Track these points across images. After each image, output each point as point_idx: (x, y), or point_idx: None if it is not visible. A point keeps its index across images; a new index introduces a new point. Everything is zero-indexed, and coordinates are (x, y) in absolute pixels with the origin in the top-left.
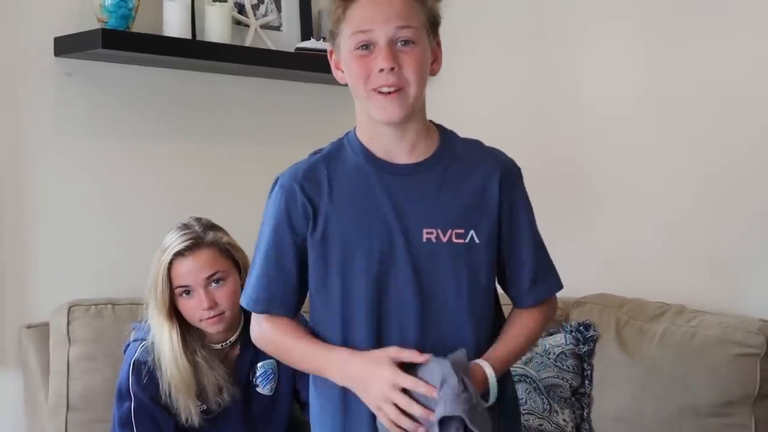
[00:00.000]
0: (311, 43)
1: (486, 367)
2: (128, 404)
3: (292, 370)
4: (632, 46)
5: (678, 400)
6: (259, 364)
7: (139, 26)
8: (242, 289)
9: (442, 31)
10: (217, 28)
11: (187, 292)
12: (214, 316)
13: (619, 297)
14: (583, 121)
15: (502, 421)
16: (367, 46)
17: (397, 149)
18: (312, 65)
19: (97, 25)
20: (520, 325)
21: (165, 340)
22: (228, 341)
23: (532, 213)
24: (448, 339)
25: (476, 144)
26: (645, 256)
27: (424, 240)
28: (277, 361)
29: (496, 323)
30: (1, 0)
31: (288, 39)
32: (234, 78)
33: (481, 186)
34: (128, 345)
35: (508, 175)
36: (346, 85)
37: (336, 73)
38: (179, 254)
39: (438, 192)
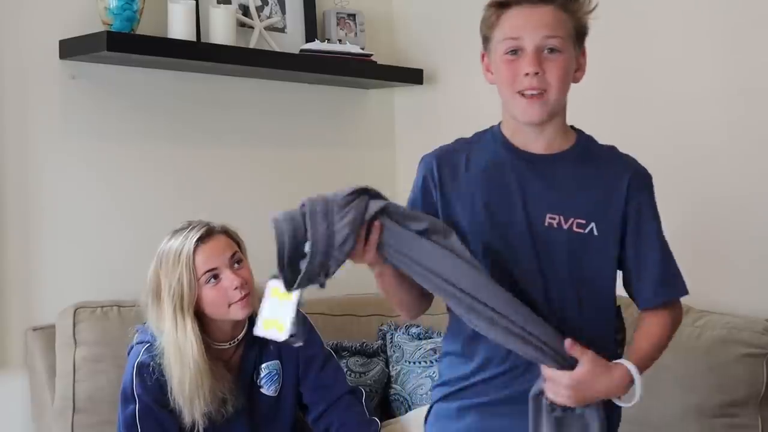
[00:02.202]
0: (316, 45)
1: (628, 364)
2: (133, 407)
3: (296, 370)
4: (642, 42)
5: (684, 401)
6: (263, 365)
7: (143, 29)
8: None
9: (445, 32)
10: (221, 30)
11: (215, 277)
12: (244, 296)
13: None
14: (589, 121)
15: None
16: (515, 52)
17: (535, 143)
18: (316, 67)
19: (101, 28)
20: (649, 328)
21: (188, 335)
22: (235, 339)
23: (659, 219)
24: (554, 320)
25: (611, 148)
26: None
27: (546, 224)
28: (281, 362)
29: (610, 320)
30: (6, 3)
31: (292, 40)
32: (238, 80)
33: (609, 184)
34: (132, 347)
35: (638, 177)
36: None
37: (486, 75)
38: (200, 241)
39: (567, 183)
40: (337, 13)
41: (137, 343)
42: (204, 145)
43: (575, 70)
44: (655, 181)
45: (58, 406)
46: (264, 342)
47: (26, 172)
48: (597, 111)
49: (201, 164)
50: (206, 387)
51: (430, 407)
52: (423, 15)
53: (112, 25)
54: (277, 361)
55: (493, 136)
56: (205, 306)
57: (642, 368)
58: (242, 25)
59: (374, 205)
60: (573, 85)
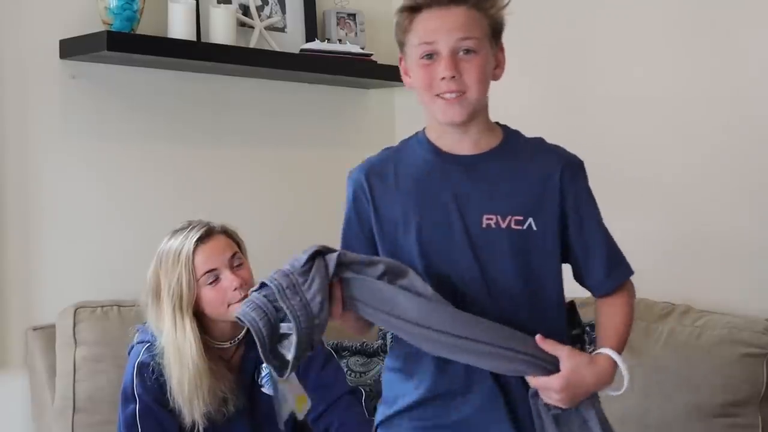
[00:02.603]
0: (316, 44)
1: (609, 351)
2: (133, 406)
3: (296, 370)
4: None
5: (684, 400)
6: (264, 365)
7: (143, 28)
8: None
9: None
10: (221, 29)
11: (214, 278)
12: (243, 297)
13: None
14: (589, 121)
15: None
16: (431, 56)
17: (461, 145)
18: (317, 66)
19: (102, 28)
20: (613, 312)
21: (187, 335)
22: (236, 338)
23: (596, 203)
24: (505, 320)
25: (538, 140)
26: (651, 256)
27: (484, 225)
28: None
29: (560, 316)
30: (7, 3)
31: (292, 40)
32: (238, 79)
33: (542, 177)
34: (132, 347)
35: (570, 167)
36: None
37: (405, 79)
38: (200, 241)
39: (499, 181)
40: (337, 12)
41: (138, 343)
42: (204, 144)
43: (494, 67)
44: (655, 180)
45: (58, 405)
46: None
47: (26, 171)
48: (599, 112)
49: (201, 164)
50: (205, 387)
51: (375, 428)
52: None
53: (112, 24)
54: None
55: (418, 141)
56: (205, 306)
57: (620, 352)
58: (242, 24)
59: (331, 262)
60: (572, 88)
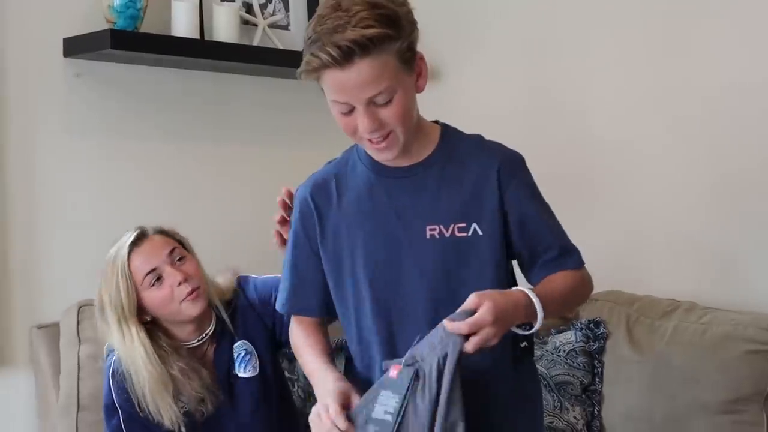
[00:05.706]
0: None
1: (527, 291)
2: (117, 418)
3: (268, 342)
4: (637, 44)
5: (689, 397)
6: (237, 344)
7: (147, 26)
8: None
9: (448, 30)
10: (225, 27)
11: (157, 279)
12: (192, 291)
13: (630, 294)
14: (593, 118)
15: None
16: (347, 110)
17: (399, 159)
18: None
19: (105, 26)
20: (551, 278)
21: (135, 344)
22: (204, 334)
23: (541, 196)
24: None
25: (477, 139)
26: (655, 253)
27: (428, 236)
28: (251, 339)
29: None
30: (11, 2)
31: (296, 38)
32: (242, 77)
33: (480, 179)
34: (106, 358)
35: (508, 165)
36: None
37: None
38: (134, 245)
39: (437, 189)
40: None
41: (108, 356)
42: (207, 142)
43: (416, 80)
44: (659, 178)
45: (62, 403)
46: (231, 330)
47: (31, 170)
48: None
49: (204, 162)
50: (168, 392)
51: None
52: (423, 14)
53: (115, 23)
54: (244, 340)
55: (358, 155)
56: (155, 310)
57: (541, 302)
58: (246, 22)
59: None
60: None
